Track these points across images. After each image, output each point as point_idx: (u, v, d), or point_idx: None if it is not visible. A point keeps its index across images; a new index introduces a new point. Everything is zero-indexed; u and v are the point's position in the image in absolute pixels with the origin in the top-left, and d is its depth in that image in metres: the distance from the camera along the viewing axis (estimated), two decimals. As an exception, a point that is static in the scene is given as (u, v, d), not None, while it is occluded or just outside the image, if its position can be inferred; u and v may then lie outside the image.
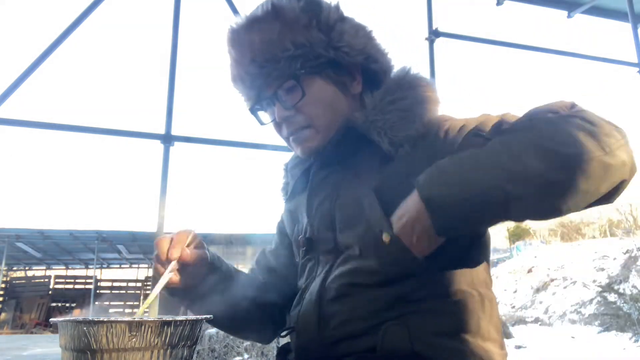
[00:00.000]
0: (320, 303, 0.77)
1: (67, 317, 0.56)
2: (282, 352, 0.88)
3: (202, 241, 0.84)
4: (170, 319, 0.58)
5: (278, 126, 0.87)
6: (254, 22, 0.82)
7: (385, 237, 0.70)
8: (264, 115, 0.88)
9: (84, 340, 0.54)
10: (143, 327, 0.55)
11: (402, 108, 0.79)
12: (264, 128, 0.90)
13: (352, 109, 0.85)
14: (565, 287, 10.32)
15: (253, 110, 0.88)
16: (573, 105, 0.68)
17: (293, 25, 0.80)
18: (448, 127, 0.77)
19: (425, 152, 0.76)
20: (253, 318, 0.92)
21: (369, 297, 0.73)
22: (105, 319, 0.54)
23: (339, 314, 0.75)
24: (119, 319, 0.55)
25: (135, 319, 0.56)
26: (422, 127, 0.78)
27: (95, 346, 0.54)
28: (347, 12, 0.89)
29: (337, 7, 0.86)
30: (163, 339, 0.57)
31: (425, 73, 0.87)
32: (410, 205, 0.65)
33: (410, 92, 0.82)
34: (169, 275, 0.73)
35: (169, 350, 0.58)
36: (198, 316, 0.64)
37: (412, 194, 0.65)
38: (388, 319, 0.71)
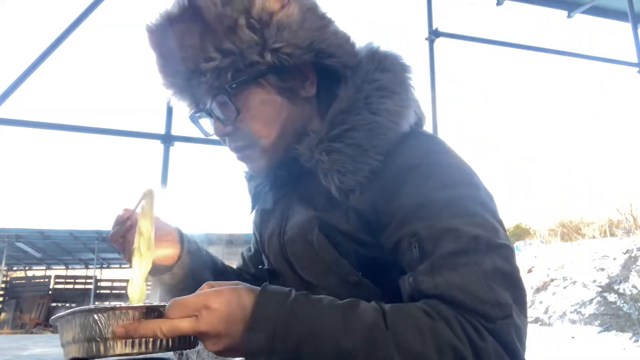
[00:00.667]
0: None
1: (71, 309, 0.55)
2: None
3: (177, 229, 0.80)
4: None
5: (221, 140, 0.75)
6: (170, 23, 0.68)
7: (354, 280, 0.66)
8: (207, 123, 0.75)
9: (95, 329, 0.53)
10: (154, 313, 0.55)
11: (353, 144, 0.65)
12: None
13: (305, 117, 0.73)
14: (565, 287, 10.31)
15: (193, 119, 0.75)
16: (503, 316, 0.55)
17: (216, 26, 0.65)
18: (403, 193, 0.63)
19: (377, 192, 0.65)
20: None
21: None
22: (116, 305, 0.54)
23: None
24: (130, 305, 0.54)
25: (147, 305, 0.55)
26: (379, 164, 0.65)
27: (107, 334, 0.53)
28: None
29: None
30: None
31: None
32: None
33: (366, 114, 0.66)
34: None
35: (178, 337, 0.57)
36: None
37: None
38: None
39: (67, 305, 15.38)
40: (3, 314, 14.79)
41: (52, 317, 0.59)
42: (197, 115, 0.74)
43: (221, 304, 0.53)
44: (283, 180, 0.77)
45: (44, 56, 3.19)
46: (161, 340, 0.54)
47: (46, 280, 16.67)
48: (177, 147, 3.31)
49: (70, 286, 16.36)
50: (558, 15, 5.03)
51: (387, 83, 0.69)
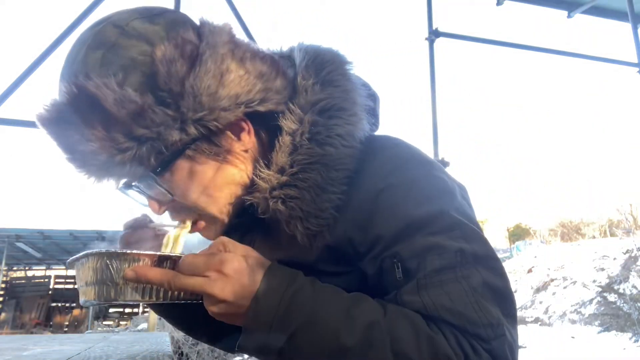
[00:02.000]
0: None
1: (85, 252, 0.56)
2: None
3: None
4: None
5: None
6: (63, 115, 0.57)
7: None
8: (142, 198, 0.66)
9: (106, 272, 0.53)
10: (167, 262, 0.56)
11: (308, 186, 0.59)
12: None
13: (249, 167, 0.65)
14: (565, 287, 10.31)
15: (122, 191, 0.66)
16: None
17: (119, 113, 0.54)
18: (377, 221, 0.59)
19: (348, 226, 0.60)
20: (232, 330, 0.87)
21: None
22: (128, 251, 0.54)
23: None
24: (142, 252, 0.55)
25: (160, 253, 0.56)
26: (343, 197, 0.60)
27: (117, 279, 0.53)
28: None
29: (179, 50, 0.57)
30: None
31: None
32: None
33: (315, 148, 0.60)
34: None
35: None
36: None
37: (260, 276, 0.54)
38: None
39: (67, 305, 15.36)
40: (3, 314, 14.78)
41: (69, 260, 0.60)
42: (125, 189, 0.65)
43: (234, 272, 0.53)
44: (242, 225, 0.71)
45: (44, 56, 3.19)
46: (172, 291, 0.55)
47: (46, 280, 16.66)
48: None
49: (70, 286, 16.33)
50: (558, 15, 5.03)
51: (332, 101, 0.62)
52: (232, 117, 0.60)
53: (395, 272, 0.57)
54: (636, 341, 6.65)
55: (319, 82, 0.64)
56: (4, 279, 14.98)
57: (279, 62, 0.66)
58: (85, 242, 12.89)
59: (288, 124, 0.62)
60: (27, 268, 17.00)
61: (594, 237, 14.63)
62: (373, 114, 0.72)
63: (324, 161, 0.60)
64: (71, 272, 16.90)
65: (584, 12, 4.95)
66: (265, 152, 0.65)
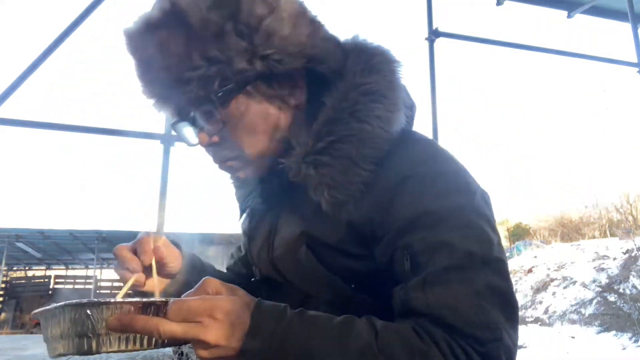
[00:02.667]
0: None
1: (59, 303, 0.52)
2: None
3: (176, 242, 0.79)
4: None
5: (205, 150, 0.72)
6: (151, 28, 0.63)
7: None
8: (191, 133, 0.70)
9: (87, 324, 0.50)
10: (151, 308, 0.54)
11: (341, 156, 0.62)
12: None
13: (295, 125, 0.69)
14: (565, 287, 10.31)
15: (176, 128, 0.70)
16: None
17: (202, 33, 0.60)
18: (396, 206, 0.61)
19: (371, 205, 0.62)
20: None
21: None
22: (110, 300, 0.52)
23: None
24: (126, 300, 0.53)
25: (144, 300, 0.54)
26: (371, 174, 0.62)
27: (100, 330, 0.51)
28: None
29: None
30: None
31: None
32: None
33: (354, 123, 0.63)
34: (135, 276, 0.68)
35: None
36: None
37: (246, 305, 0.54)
38: None
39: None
40: (3, 314, 14.79)
41: (34, 312, 0.56)
42: (180, 124, 0.69)
43: (225, 315, 0.52)
44: (271, 192, 0.74)
45: (44, 56, 3.19)
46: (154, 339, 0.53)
47: (46, 280, 16.67)
48: (177, 147, 3.31)
49: (70, 286, 16.35)
50: (558, 15, 5.03)
51: (376, 86, 0.65)
52: (295, 64, 0.65)
53: (405, 265, 0.58)
54: (636, 341, 6.66)
55: (367, 68, 0.67)
56: (4, 279, 14.97)
57: (338, 39, 0.72)
58: (85, 242, 12.90)
59: (332, 98, 0.65)
60: (27, 268, 17.00)
61: (594, 237, 14.63)
62: (409, 118, 0.74)
63: (360, 136, 0.62)
64: (71, 272, 16.93)
65: (584, 12, 4.95)
66: (308, 117, 0.68)
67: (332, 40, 0.71)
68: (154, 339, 0.53)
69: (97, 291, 15.61)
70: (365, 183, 0.62)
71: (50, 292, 15.91)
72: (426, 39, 4.08)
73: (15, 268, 16.58)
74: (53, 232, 11.77)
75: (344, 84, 0.66)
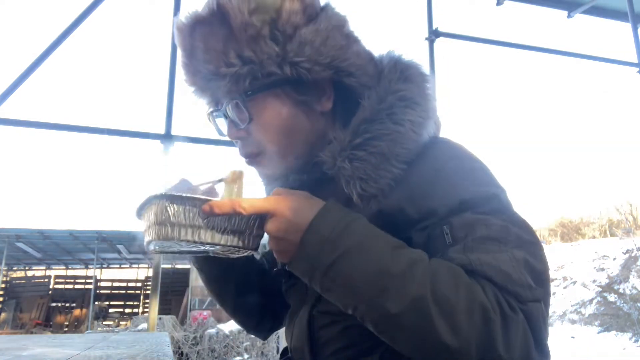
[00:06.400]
0: (311, 330, 0.74)
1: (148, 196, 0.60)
2: (285, 352, 0.88)
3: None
4: None
5: (234, 143, 0.77)
6: (198, 24, 0.70)
7: None
8: (223, 123, 0.77)
9: (165, 214, 0.58)
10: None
11: (376, 152, 0.66)
12: None
13: (318, 130, 0.73)
14: (565, 287, 10.32)
15: (210, 116, 0.77)
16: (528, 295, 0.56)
17: (240, 34, 0.67)
18: (431, 196, 0.64)
19: (402, 197, 0.65)
20: (255, 310, 0.92)
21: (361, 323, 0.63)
22: (186, 195, 0.59)
23: (331, 342, 0.71)
24: (198, 197, 0.59)
25: (211, 199, 0.60)
26: (401, 172, 0.66)
27: (175, 220, 0.58)
28: (333, 6, 0.73)
29: (303, 7, 0.70)
30: (232, 223, 0.62)
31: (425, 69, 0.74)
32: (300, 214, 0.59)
33: (389, 124, 0.67)
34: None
35: (236, 235, 0.62)
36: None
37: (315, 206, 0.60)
38: (384, 342, 0.61)
39: (67, 305, 15.36)
40: (3, 314, 14.78)
41: (137, 206, 0.64)
42: (213, 114, 0.76)
43: (297, 197, 0.60)
44: (302, 185, 0.76)
45: (44, 56, 3.19)
46: (222, 234, 0.61)
47: (46, 280, 16.66)
48: (177, 147, 3.31)
49: (70, 286, 16.33)
50: (558, 15, 5.03)
51: (410, 94, 0.70)
52: (323, 74, 0.69)
53: (445, 238, 0.61)
54: (636, 341, 6.65)
55: (402, 78, 0.72)
56: (4, 279, 14.98)
57: (373, 55, 0.77)
58: (85, 242, 12.90)
59: (370, 100, 0.70)
60: (27, 268, 17.00)
61: (594, 237, 14.63)
62: (437, 124, 0.78)
63: (394, 137, 0.67)
64: (71, 272, 16.94)
65: (584, 12, 4.95)
66: (335, 122, 0.74)
67: (366, 55, 0.75)
68: (221, 235, 0.61)
69: (97, 291, 15.62)
70: (396, 179, 0.66)
71: (50, 292, 15.91)
72: (426, 39, 4.08)
73: (15, 268, 16.58)
74: (53, 232, 11.76)
75: (381, 89, 0.70)
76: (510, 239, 0.59)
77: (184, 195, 0.59)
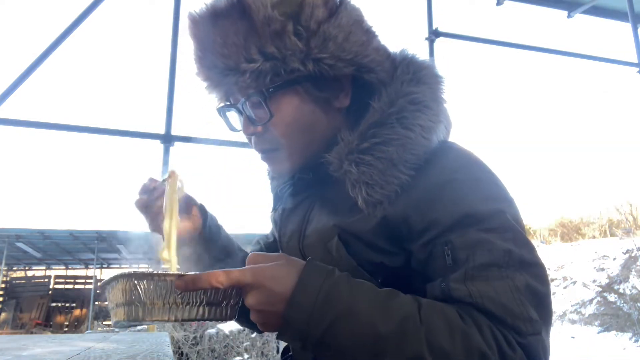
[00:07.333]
0: None
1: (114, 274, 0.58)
2: (286, 351, 0.88)
3: (201, 205, 0.84)
4: None
5: (247, 138, 0.76)
6: (216, 17, 0.66)
7: None
8: (235, 118, 0.76)
9: (134, 293, 0.56)
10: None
11: (384, 157, 0.64)
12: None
13: (335, 127, 0.72)
14: (565, 287, 10.31)
15: (220, 112, 0.75)
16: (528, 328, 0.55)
17: (263, 28, 0.64)
18: (437, 207, 0.62)
19: (408, 205, 0.64)
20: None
21: None
22: (155, 272, 0.56)
23: None
24: (168, 273, 0.56)
25: (186, 273, 0.57)
26: (409, 179, 0.64)
27: (145, 299, 0.55)
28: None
29: (324, 1, 0.67)
30: (208, 295, 0.59)
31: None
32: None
33: (398, 128, 0.65)
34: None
35: (212, 308, 0.60)
36: None
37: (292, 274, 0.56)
38: None
39: (67, 305, 15.36)
40: (3, 314, 14.78)
41: (100, 284, 0.63)
42: (226, 109, 0.74)
43: (275, 265, 0.56)
44: (307, 183, 0.76)
45: (44, 56, 3.19)
46: (197, 309, 0.58)
47: (46, 280, 16.65)
48: (177, 147, 3.31)
49: (70, 286, 16.33)
50: (558, 15, 5.04)
51: (422, 97, 0.68)
52: (344, 71, 0.67)
53: (446, 259, 0.59)
54: (636, 341, 6.65)
55: (415, 79, 0.70)
56: (4, 279, 14.97)
57: (389, 50, 0.75)
58: (85, 242, 12.90)
59: (381, 102, 0.68)
60: (27, 268, 16.99)
61: (594, 237, 14.63)
62: (447, 128, 0.76)
63: (403, 142, 0.65)
64: (71, 272, 16.93)
65: (584, 12, 4.95)
66: (350, 119, 0.72)
67: (384, 51, 0.73)
68: (195, 309, 0.57)
69: (97, 291, 15.60)
70: (402, 185, 0.64)
71: (50, 292, 15.90)
72: (426, 39, 4.09)
73: (15, 268, 16.58)
74: (53, 232, 11.76)
75: (393, 91, 0.68)
76: (512, 263, 0.57)
77: (153, 272, 0.56)
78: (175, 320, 0.57)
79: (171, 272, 0.57)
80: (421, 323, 0.53)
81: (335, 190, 0.70)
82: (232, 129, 0.76)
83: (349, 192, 0.66)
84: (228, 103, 0.73)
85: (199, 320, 0.58)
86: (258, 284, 0.55)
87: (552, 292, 0.60)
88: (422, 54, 0.76)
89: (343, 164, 0.67)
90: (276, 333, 0.57)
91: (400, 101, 0.67)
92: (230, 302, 0.61)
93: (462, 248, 0.59)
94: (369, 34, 0.71)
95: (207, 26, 0.67)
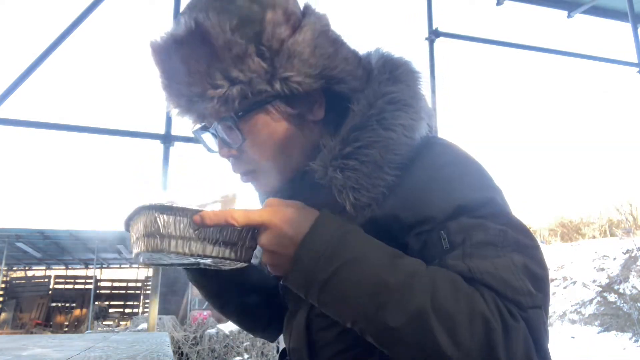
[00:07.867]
0: (309, 333, 0.72)
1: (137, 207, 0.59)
2: (284, 353, 0.88)
3: None
4: None
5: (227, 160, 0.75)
6: (176, 44, 0.65)
7: None
8: (211, 140, 0.74)
9: (155, 225, 0.56)
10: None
11: (368, 161, 0.64)
12: None
13: (313, 140, 0.72)
14: (565, 287, 10.31)
15: (196, 134, 0.75)
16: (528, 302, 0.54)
17: (224, 53, 0.63)
18: (427, 202, 0.62)
19: (397, 204, 0.63)
20: (262, 313, 0.92)
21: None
22: (176, 206, 0.57)
23: (330, 344, 0.70)
24: (188, 208, 0.57)
25: (202, 209, 0.58)
26: (395, 179, 0.64)
27: (164, 232, 0.56)
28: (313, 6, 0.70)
29: (286, 17, 0.66)
30: (224, 235, 0.60)
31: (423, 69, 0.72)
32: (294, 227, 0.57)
33: (380, 130, 0.65)
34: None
35: (228, 247, 0.60)
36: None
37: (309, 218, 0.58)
38: None
39: (67, 305, 15.35)
40: (3, 314, 14.77)
41: (124, 220, 0.62)
42: (201, 132, 0.74)
43: (291, 207, 0.58)
44: (293, 193, 0.75)
45: (44, 56, 3.19)
46: (213, 246, 0.59)
47: (46, 280, 16.64)
48: (177, 147, 3.31)
49: (70, 286, 16.31)
50: (558, 15, 5.04)
51: (400, 96, 0.67)
52: (313, 86, 0.67)
53: (442, 243, 0.59)
54: (636, 341, 6.66)
55: (391, 78, 0.69)
56: (4, 279, 14.98)
57: (360, 56, 0.74)
58: (85, 242, 12.91)
59: (360, 105, 0.67)
60: (27, 268, 16.99)
61: (594, 237, 14.63)
62: (429, 125, 0.75)
63: (385, 143, 0.64)
64: (71, 272, 16.94)
65: (584, 12, 4.96)
66: (329, 127, 0.71)
67: (353, 58, 0.72)
68: (210, 246, 0.59)
69: (97, 291, 15.62)
70: (389, 186, 0.64)
71: (50, 292, 15.91)
72: (426, 39, 4.09)
73: (15, 268, 16.58)
74: (53, 232, 11.75)
75: (371, 92, 0.68)
76: (508, 243, 0.57)
77: (174, 205, 0.57)
78: (191, 255, 0.58)
79: (191, 207, 0.58)
80: (427, 281, 0.54)
81: (322, 197, 0.69)
82: (210, 150, 0.75)
83: (337, 198, 0.66)
84: (201, 127, 0.73)
85: (213, 257, 0.59)
86: (273, 225, 0.57)
87: (549, 277, 0.60)
88: (420, 55, 0.76)
89: (328, 170, 0.66)
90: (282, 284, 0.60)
91: (379, 102, 0.66)
92: (245, 244, 0.62)
93: (457, 232, 0.59)
94: (336, 43, 0.70)
95: (169, 54, 0.66)
